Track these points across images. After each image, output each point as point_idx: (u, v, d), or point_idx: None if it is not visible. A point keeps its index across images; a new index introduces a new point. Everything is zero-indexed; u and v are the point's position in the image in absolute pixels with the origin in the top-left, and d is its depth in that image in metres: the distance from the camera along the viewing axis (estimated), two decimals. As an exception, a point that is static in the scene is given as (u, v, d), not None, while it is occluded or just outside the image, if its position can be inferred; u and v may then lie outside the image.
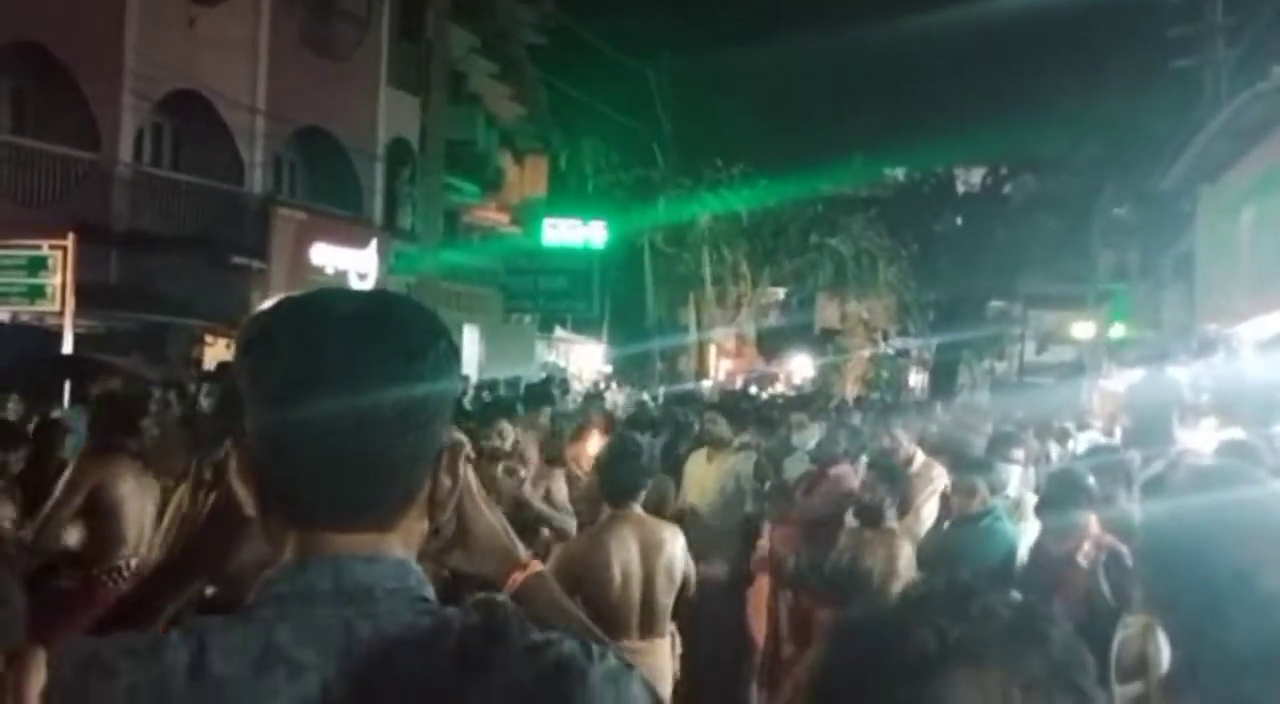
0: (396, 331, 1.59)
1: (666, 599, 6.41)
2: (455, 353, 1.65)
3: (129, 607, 1.81)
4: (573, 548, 6.50)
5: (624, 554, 6.26)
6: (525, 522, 7.45)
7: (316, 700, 1.48)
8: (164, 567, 1.92)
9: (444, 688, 1.49)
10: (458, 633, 1.53)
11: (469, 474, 1.78)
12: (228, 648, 1.50)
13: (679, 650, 6.65)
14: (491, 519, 1.91)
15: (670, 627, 6.55)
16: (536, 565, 1.92)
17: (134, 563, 7.22)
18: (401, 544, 1.60)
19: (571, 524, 8.19)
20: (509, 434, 9.24)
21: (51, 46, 21.29)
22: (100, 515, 7.22)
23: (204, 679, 1.48)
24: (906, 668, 1.21)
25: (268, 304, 1.68)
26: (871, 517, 7.10)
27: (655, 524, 6.62)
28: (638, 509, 6.50)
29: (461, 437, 1.94)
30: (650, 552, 6.33)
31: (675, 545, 6.46)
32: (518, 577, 1.90)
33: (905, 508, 7.21)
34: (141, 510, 7.39)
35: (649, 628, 6.33)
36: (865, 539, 7.09)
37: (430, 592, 1.60)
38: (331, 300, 1.63)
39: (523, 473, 8.40)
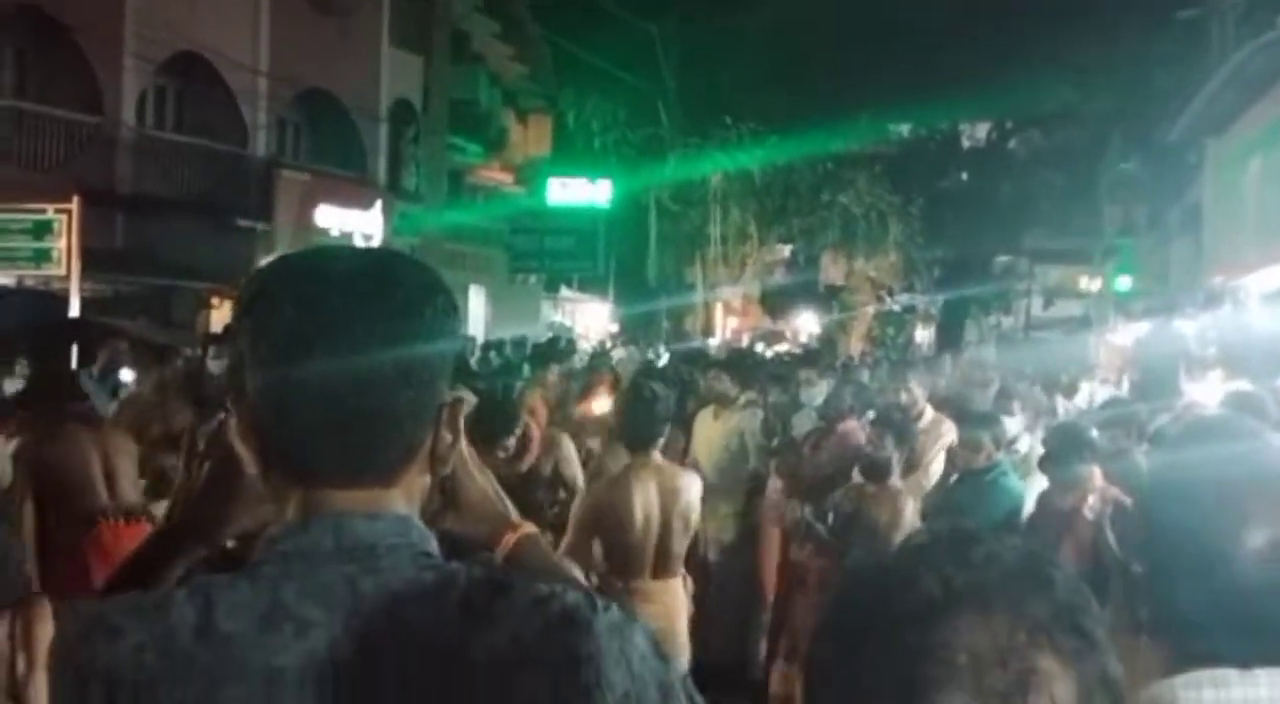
0: (396, 287, 1.59)
1: (681, 544, 6.59)
2: (455, 309, 1.65)
3: (132, 573, 1.81)
4: (597, 492, 6.62)
5: (644, 499, 6.43)
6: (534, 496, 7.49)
7: (323, 657, 1.48)
8: (163, 533, 1.92)
9: (450, 641, 1.49)
10: (462, 586, 1.54)
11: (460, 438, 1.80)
12: (234, 605, 1.50)
13: (691, 590, 6.78)
14: (482, 482, 1.92)
15: (681, 570, 6.70)
16: (528, 527, 1.94)
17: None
18: (404, 500, 1.61)
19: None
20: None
21: (52, 10, 21.26)
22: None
23: (210, 636, 1.48)
24: (912, 614, 1.21)
25: (267, 262, 1.67)
26: (877, 472, 7.09)
27: (673, 470, 6.83)
28: (657, 456, 6.67)
29: (466, 394, 1.96)
30: (668, 497, 6.51)
31: (692, 492, 6.66)
32: (509, 538, 1.91)
33: (914, 463, 7.21)
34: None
35: (663, 569, 6.52)
36: (868, 494, 7.10)
37: (434, 546, 1.61)
38: (332, 257, 1.64)
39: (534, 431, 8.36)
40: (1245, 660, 1.86)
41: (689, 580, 6.81)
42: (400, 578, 1.53)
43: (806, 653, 1.34)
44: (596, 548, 6.44)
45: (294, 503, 1.58)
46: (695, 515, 6.69)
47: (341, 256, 1.65)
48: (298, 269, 1.64)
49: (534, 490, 7.31)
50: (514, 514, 1.94)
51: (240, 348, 1.59)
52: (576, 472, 8.38)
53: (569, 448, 8.54)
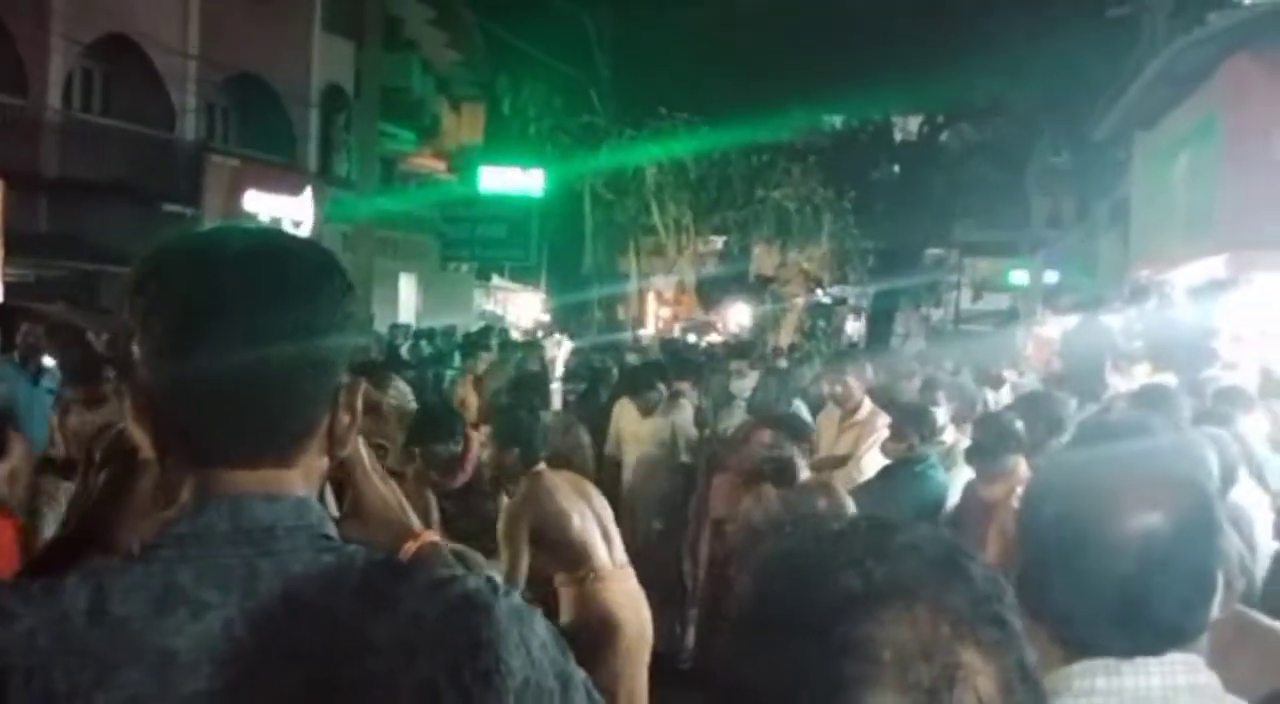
0: (291, 266, 1.58)
1: (615, 528, 6.76)
2: (351, 289, 1.63)
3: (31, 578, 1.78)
4: (515, 510, 6.54)
5: (564, 495, 6.56)
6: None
7: (219, 639, 1.46)
8: (62, 540, 1.89)
9: (348, 624, 1.48)
10: (361, 569, 1.52)
11: (360, 447, 1.80)
12: (127, 589, 1.48)
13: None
14: (384, 490, 1.92)
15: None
16: (429, 535, 1.93)
17: None
18: (302, 481, 1.59)
19: None
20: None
21: (-24, -11, 20.96)
22: None
23: (104, 620, 1.46)
24: (832, 609, 1.19)
25: (159, 242, 1.64)
26: (784, 476, 7.01)
27: (564, 473, 7.01)
28: (542, 467, 6.77)
29: (399, 382, 1.93)
30: (581, 489, 6.76)
31: (594, 489, 6.93)
32: (410, 546, 1.89)
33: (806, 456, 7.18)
34: None
35: (615, 554, 6.66)
36: (790, 501, 7.04)
37: (332, 529, 1.59)
38: (225, 236, 1.62)
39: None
40: (1125, 651, 1.87)
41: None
42: (299, 560, 1.51)
43: (720, 648, 1.31)
44: (534, 558, 6.43)
45: (189, 485, 1.55)
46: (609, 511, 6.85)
47: (235, 236, 1.62)
48: (190, 248, 1.62)
49: (482, 503, 7.23)
50: (416, 522, 1.93)
51: (131, 328, 1.56)
52: None
53: None
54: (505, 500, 7.10)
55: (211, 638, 1.46)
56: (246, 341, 1.51)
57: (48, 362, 11.49)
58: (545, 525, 6.43)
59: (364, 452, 1.84)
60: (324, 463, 1.64)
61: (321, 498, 1.65)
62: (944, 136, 45.13)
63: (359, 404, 1.66)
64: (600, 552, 6.57)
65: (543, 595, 6.19)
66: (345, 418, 1.63)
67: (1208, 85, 17.44)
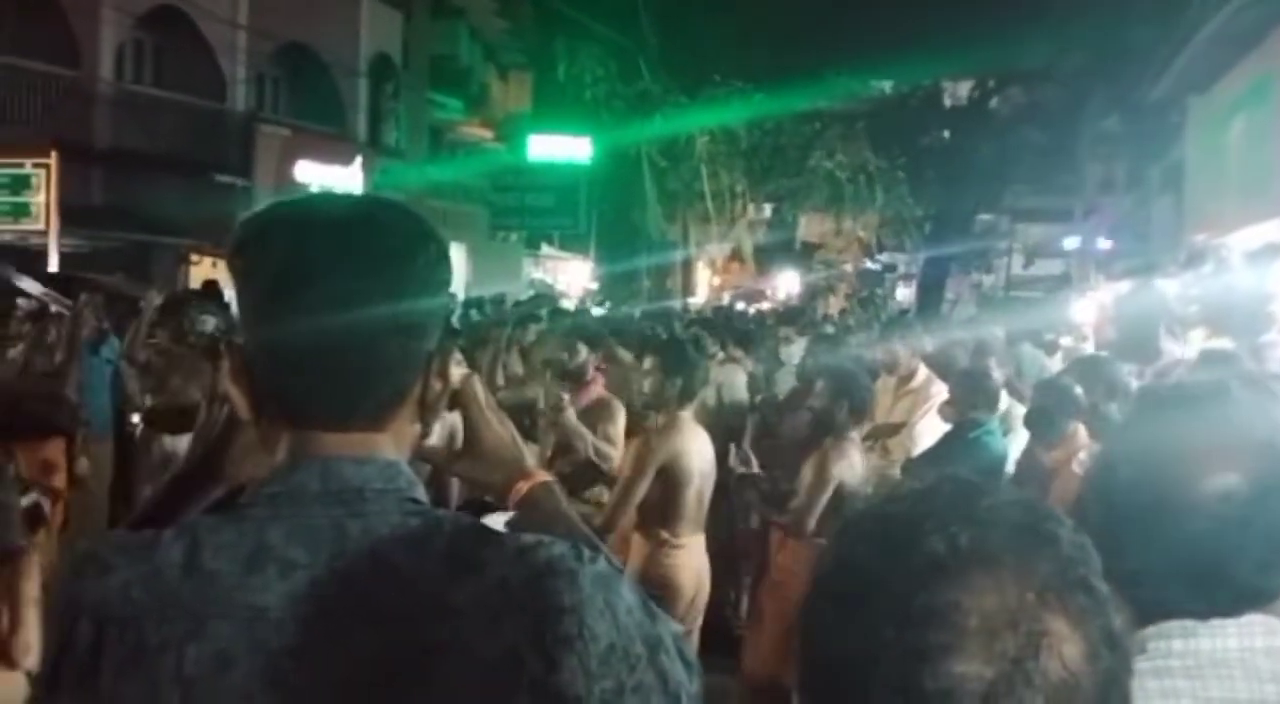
0: (387, 232, 1.61)
1: (709, 495, 6.73)
2: (446, 258, 1.66)
3: (149, 515, 1.82)
4: (661, 440, 6.54)
5: (696, 447, 6.58)
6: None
7: (306, 598, 1.50)
8: (180, 475, 1.93)
9: (433, 587, 1.50)
10: (448, 533, 1.55)
11: (476, 385, 1.81)
12: (220, 545, 1.52)
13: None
14: (500, 429, 1.93)
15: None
16: (543, 475, 1.93)
17: None
18: (393, 446, 1.62)
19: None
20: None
21: (28, -38, 21.07)
22: None
23: (196, 574, 1.50)
24: (917, 575, 1.18)
25: (261, 207, 1.68)
26: (822, 426, 7.03)
27: (700, 429, 6.87)
28: (690, 411, 6.81)
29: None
30: (706, 452, 6.67)
31: (711, 450, 6.79)
32: (523, 485, 1.90)
33: (860, 417, 7.12)
34: None
35: (700, 525, 6.66)
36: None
37: (421, 493, 1.61)
38: (323, 202, 1.67)
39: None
40: (1200, 612, 1.86)
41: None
42: (386, 522, 1.54)
43: (800, 613, 1.31)
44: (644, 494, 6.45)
45: (283, 445, 1.59)
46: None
47: (333, 202, 1.66)
48: (289, 213, 1.65)
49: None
50: (530, 462, 1.94)
51: (234, 289, 1.61)
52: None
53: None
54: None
55: (298, 596, 1.49)
56: (340, 305, 1.53)
57: (105, 329, 11.59)
58: (671, 469, 6.44)
59: (480, 389, 1.85)
60: (415, 429, 1.67)
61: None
62: (994, 101, 44.74)
63: (450, 371, 1.69)
64: (690, 518, 6.56)
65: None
66: (437, 385, 1.66)
67: (1263, 47, 17.22)
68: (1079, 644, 1.16)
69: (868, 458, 7.14)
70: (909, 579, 1.18)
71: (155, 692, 1.47)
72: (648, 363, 6.90)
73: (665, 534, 6.49)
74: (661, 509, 6.47)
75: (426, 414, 1.66)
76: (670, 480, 6.44)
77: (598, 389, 8.01)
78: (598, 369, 8.24)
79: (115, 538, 1.58)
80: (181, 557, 1.51)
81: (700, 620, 6.69)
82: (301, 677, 1.48)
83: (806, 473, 6.72)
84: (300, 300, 1.54)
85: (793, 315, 17.54)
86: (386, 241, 1.59)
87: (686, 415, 6.69)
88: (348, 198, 1.69)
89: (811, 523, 6.57)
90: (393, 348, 1.59)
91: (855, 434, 6.99)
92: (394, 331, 1.58)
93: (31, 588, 1.27)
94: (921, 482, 1.32)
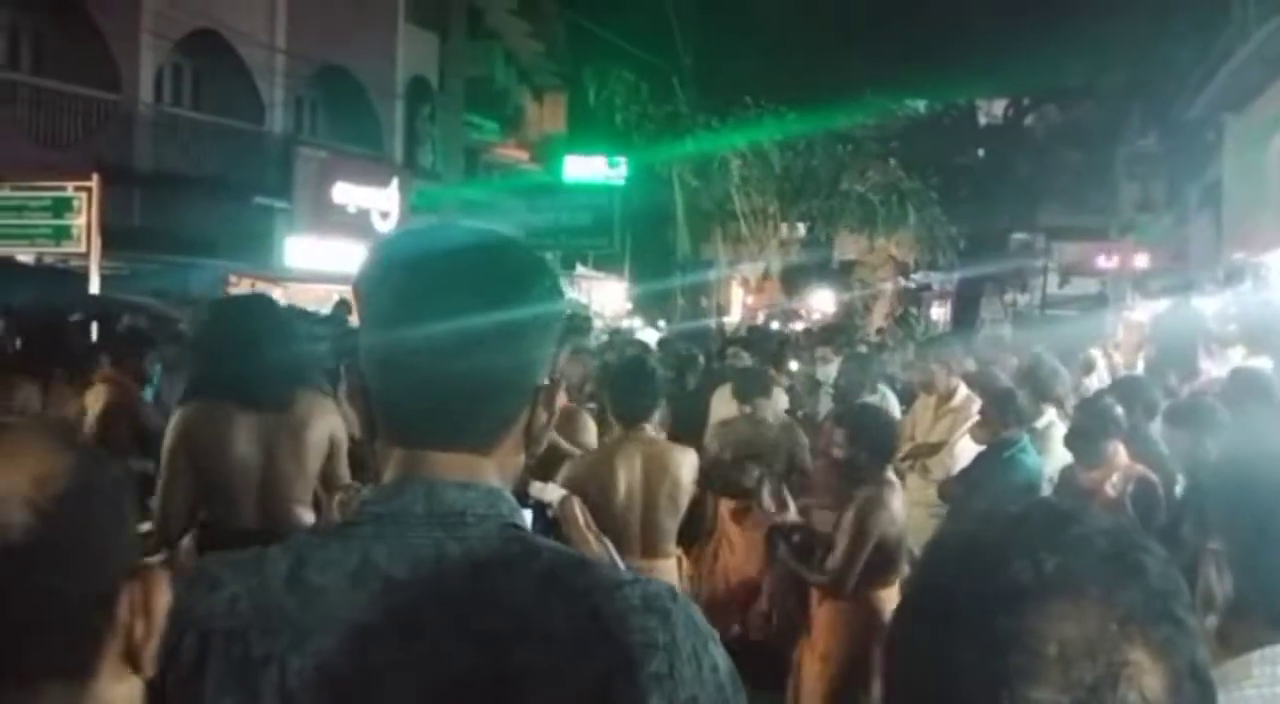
0: (503, 262, 1.67)
1: (670, 522, 6.40)
2: (557, 290, 1.72)
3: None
4: (579, 464, 6.41)
5: (628, 473, 6.26)
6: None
7: (406, 615, 1.54)
8: None
9: (529, 611, 1.54)
10: (546, 560, 1.59)
11: (575, 506, 1.89)
12: (325, 561, 1.58)
13: (686, 572, 6.71)
14: (597, 547, 2.04)
15: (676, 551, 6.57)
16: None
17: None
18: (497, 473, 1.68)
19: None
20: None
21: (70, -13, 21.26)
22: None
23: (300, 588, 1.56)
24: (1001, 599, 1.19)
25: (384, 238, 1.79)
26: (853, 477, 6.49)
27: (665, 446, 6.62)
28: (649, 430, 6.55)
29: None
30: (654, 473, 6.31)
31: (683, 469, 6.42)
32: None
33: (885, 457, 6.82)
34: None
35: (652, 548, 6.31)
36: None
37: (523, 520, 1.67)
38: (442, 234, 1.73)
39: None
40: None
41: (685, 562, 6.75)
42: (486, 546, 1.59)
43: (890, 631, 1.33)
44: None
45: (392, 464, 1.65)
46: (685, 494, 6.44)
47: (452, 234, 1.73)
48: (410, 244, 1.72)
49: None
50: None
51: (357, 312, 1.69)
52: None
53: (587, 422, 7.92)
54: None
55: (398, 614, 1.54)
56: (454, 333, 1.60)
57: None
58: (592, 496, 5.89)
59: (578, 510, 1.92)
60: (520, 459, 1.73)
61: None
62: (1029, 120, 44.62)
63: (556, 404, 1.75)
64: (635, 541, 6.25)
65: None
66: (543, 415, 1.71)
67: (1300, 67, 17.19)
68: (1161, 676, 1.16)
69: (908, 478, 7.07)
70: (992, 603, 1.19)
71: (257, 703, 1.52)
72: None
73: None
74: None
75: (531, 443, 1.72)
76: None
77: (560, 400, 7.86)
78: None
79: (225, 554, 1.64)
80: (287, 571, 1.57)
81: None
82: (398, 692, 1.52)
83: (844, 530, 6.26)
84: (415, 327, 1.60)
85: (828, 335, 17.50)
86: (502, 273, 1.65)
87: (621, 436, 6.49)
88: (466, 230, 1.74)
89: (851, 582, 6.15)
90: (502, 376, 1.64)
91: (890, 475, 6.60)
92: (504, 360, 1.64)
93: (164, 601, 1.32)
94: (1016, 506, 1.33)
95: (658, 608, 1.56)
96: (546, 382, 1.71)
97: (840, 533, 6.25)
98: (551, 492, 1.92)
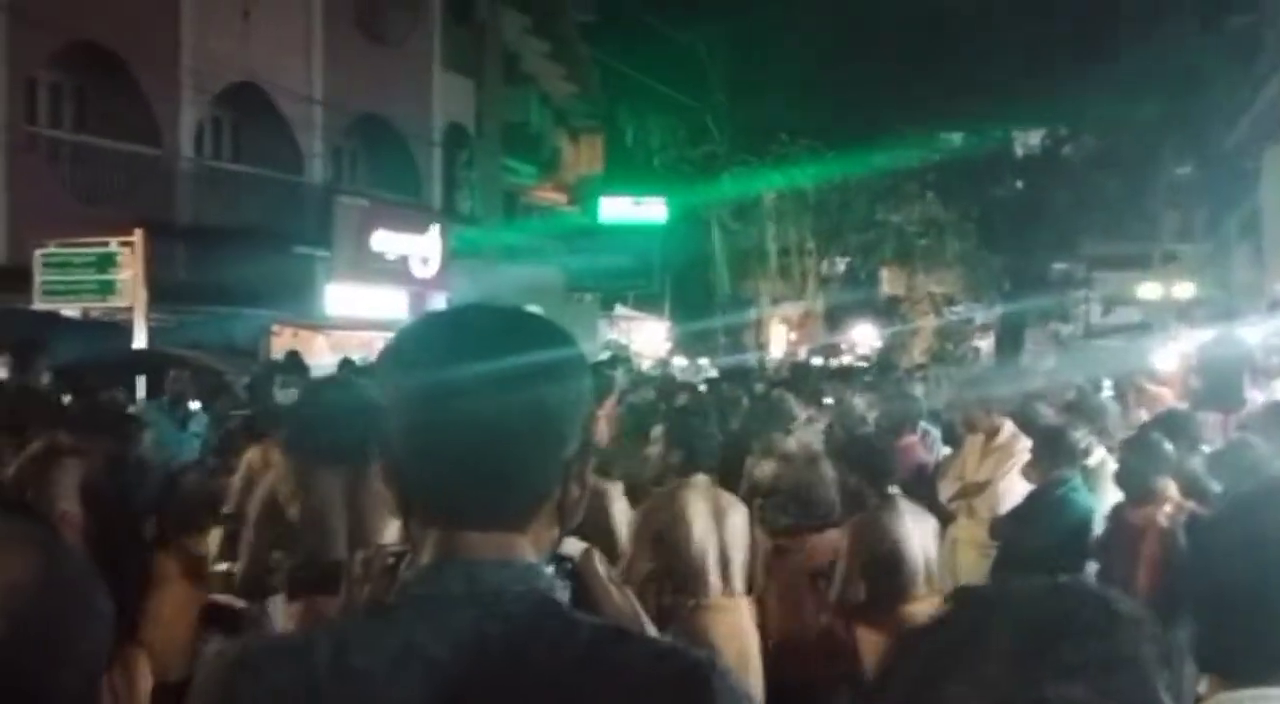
0: (531, 344, 1.68)
1: (740, 562, 6.64)
2: (586, 370, 1.75)
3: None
4: (650, 508, 6.68)
5: (700, 515, 6.53)
6: None
7: (449, 696, 1.55)
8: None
9: (573, 687, 1.56)
10: (586, 635, 1.60)
11: (595, 560, 1.89)
12: (367, 645, 1.59)
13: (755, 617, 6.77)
14: (619, 602, 2.06)
15: (746, 591, 6.73)
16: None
17: None
18: (533, 548, 1.68)
19: None
20: None
21: (110, 44, 21.48)
22: None
23: (345, 673, 1.57)
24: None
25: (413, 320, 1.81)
26: (851, 505, 7.03)
27: (720, 493, 6.88)
28: (704, 478, 6.78)
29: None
30: (720, 513, 6.62)
31: (739, 514, 6.74)
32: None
33: (884, 480, 7.05)
34: None
35: (728, 583, 6.57)
36: None
37: (561, 595, 1.70)
38: (471, 314, 1.76)
39: None
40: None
41: (753, 608, 6.80)
42: (526, 624, 1.59)
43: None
44: (651, 566, 6.44)
45: (428, 545, 1.66)
46: (745, 534, 6.72)
47: (481, 314, 1.75)
48: (438, 322, 1.78)
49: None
50: (651, 629, 2.01)
51: (384, 394, 1.70)
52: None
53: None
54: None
55: (441, 695, 1.55)
56: (485, 413, 1.62)
57: (194, 406, 11.78)
58: (667, 534, 6.48)
59: (599, 564, 1.93)
60: (554, 533, 1.74)
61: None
62: (1067, 150, 44.55)
63: (589, 478, 1.75)
64: (712, 579, 6.53)
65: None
66: (575, 490, 1.71)
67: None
68: None
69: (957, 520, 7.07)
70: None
71: None
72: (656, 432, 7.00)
73: (689, 602, 6.46)
74: (677, 574, 6.49)
75: (565, 518, 1.72)
76: (669, 546, 6.48)
77: None
78: None
79: (270, 640, 1.65)
80: (330, 656, 1.58)
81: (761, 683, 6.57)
82: None
83: (839, 551, 6.74)
84: (448, 407, 1.62)
85: (870, 370, 17.47)
86: (531, 352, 1.67)
87: (691, 480, 6.71)
88: (494, 310, 1.76)
89: (852, 596, 6.56)
90: (535, 453, 1.66)
91: (891, 495, 6.92)
92: (536, 438, 1.65)
93: (145, 685, 1.34)
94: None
95: (699, 677, 1.57)
96: (578, 456, 1.71)
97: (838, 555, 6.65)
98: (572, 545, 1.98)
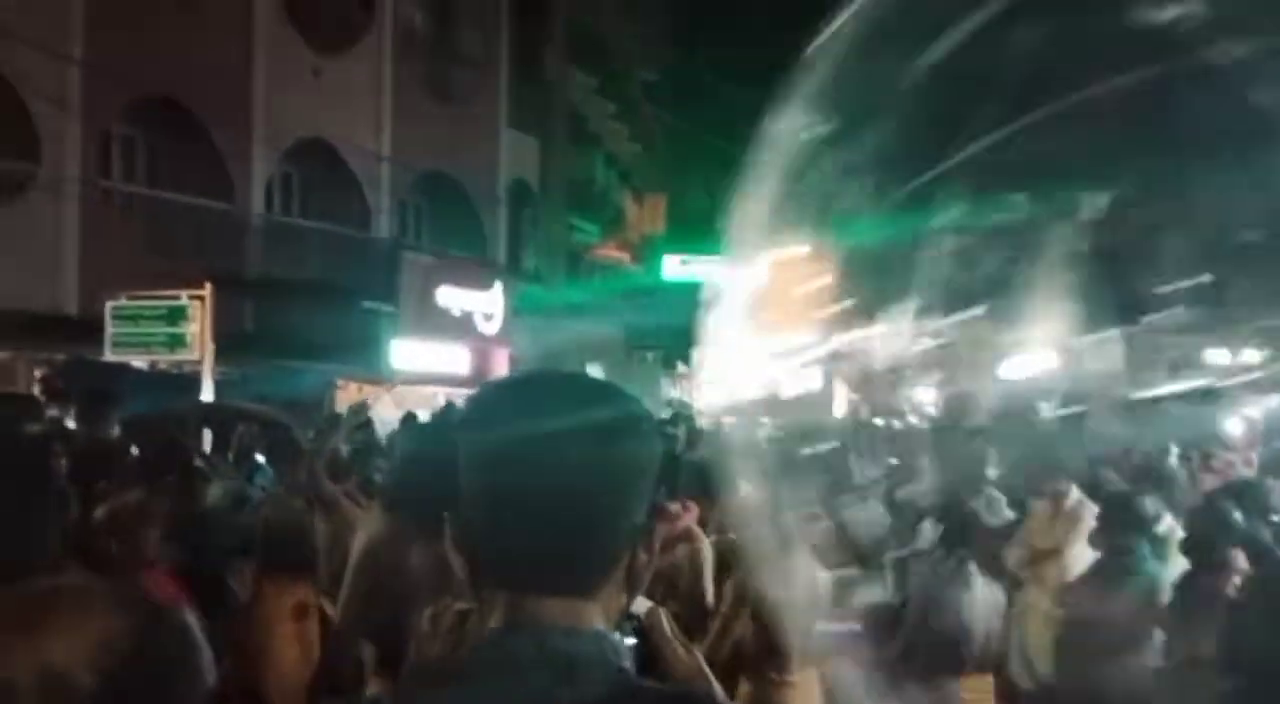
0: (600, 407, 1.71)
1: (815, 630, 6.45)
2: (655, 436, 1.77)
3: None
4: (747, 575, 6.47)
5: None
6: None
7: None
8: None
9: None
10: (654, 702, 1.64)
11: (662, 618, 1.90)
12: None
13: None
14: (687, 659, 2.06)
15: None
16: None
17: None
18: (601, 615, 1.70)
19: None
20: None
21: (184, 101, 21.83)
22: None
23: None
24: None
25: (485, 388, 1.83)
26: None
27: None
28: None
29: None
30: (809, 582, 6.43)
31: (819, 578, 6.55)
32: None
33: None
34: None
35: (805, 658, 6.31)
36: None
37: (628, 663, 1.71)
38: (541, 382, 1.80)
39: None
40: None
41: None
42: (594, 692, 1.61)
43: None
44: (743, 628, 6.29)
45: (498, 609, 1.68)
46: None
47: (551, 382, 1.79)
48: (510, 390, 1.81)
49: None
50: (716, 687, 2.02)
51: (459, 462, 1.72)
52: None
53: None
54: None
55: None
56: (557, 477, 1.64)
57: (260, 460, 11.86)
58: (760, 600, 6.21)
59: (666, 621, 1.94)
60: (623, 600, 1.76)
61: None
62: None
63: (657, 545, 1.78)
64: (791, 653, 6.25)
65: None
66: (643, 556, 1.74)
67: None
68: None
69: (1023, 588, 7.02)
70: None
71: None
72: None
73: (773, 675, 6.23)
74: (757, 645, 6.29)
75: (634, 584, 1.74)
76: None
77: (688, 519, 7.55)
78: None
79: None
80: None
81: None
82: None
83: None
84: (520, 472, 1.64)
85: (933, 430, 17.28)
86: (601, 417, 1.69)
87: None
88: (565, 376, 1.82)
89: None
90: (604, 521, 1.68)
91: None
92: (606, 506, 1.67)
93: None
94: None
95: None
96: (648, 520, 1.74)
97: None
98: (639, 603, 1.99)
